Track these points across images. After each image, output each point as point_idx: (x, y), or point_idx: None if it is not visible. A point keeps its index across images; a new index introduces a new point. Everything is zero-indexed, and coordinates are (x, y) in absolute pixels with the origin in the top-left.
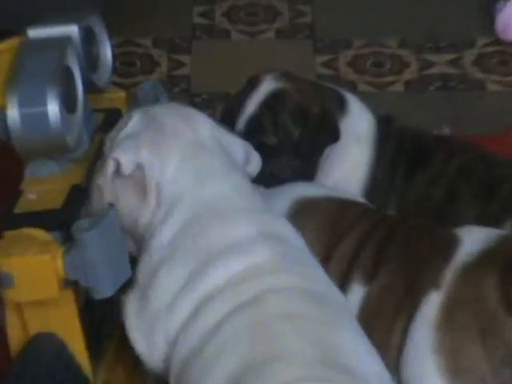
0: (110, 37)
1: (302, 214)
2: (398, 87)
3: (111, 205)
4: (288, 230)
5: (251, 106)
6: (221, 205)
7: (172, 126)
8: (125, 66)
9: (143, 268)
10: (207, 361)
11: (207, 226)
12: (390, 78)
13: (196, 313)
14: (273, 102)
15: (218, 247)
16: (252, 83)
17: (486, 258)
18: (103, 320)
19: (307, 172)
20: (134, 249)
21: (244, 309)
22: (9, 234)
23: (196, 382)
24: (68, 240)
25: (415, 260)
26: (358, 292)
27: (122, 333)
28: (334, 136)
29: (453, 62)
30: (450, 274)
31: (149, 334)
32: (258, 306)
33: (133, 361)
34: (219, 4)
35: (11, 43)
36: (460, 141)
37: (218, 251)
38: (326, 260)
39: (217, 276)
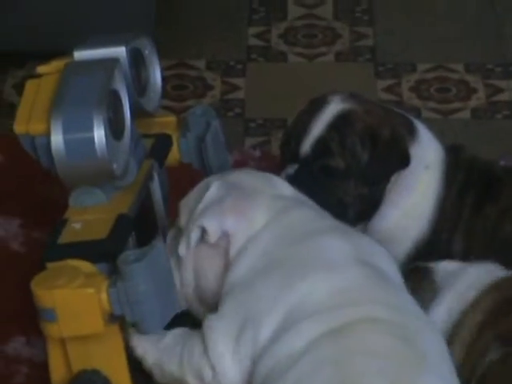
0: (160, 59)
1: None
2: (464, 114)
3: (160, 236)
4: (381, 256)
5: (318, 127)
6: (311, 226)
7: (252, 186)
8: (176, 89)
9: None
10: None
11: (295, 243)
12: (455, 105)
13: (279, 334)
14: (341, 123)
15: (310, 263)
16: (317, 104)
17: None
18: None
19: (374, 199)
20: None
21: (330, 338)
22: (52, 265)
23: None
24: (114, 272)
25: None
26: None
27: None
28: (404, 161)
29: None
30: None
31: (235, 347)
32: (345, 337)
33: None
34: (275, 25)
35: (57, 65)
36: None
37: (311, 268)
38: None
39: (306, 294)
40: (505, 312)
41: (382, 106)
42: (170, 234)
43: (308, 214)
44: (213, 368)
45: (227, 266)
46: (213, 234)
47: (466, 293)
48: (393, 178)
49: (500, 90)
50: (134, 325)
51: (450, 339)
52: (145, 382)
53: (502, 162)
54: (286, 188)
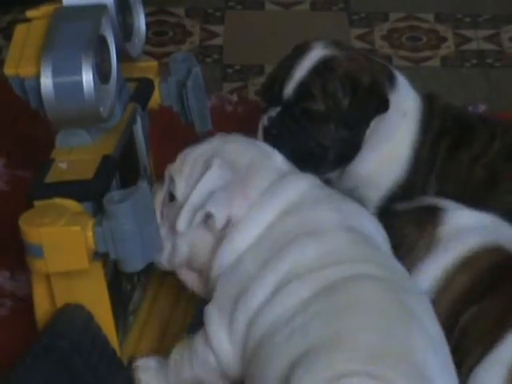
0: (145, 6)
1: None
2: (434, 62)
3: (144, 178)
4: (368, 221)
5: (300, 71)
6: (304, 199)
7: (251, 162)
8: (157, 35)
9: (223, 264)
10: (275, 346)
11: (289, 216)
12: (425, 53)
13: (271, 298)
14: (323, 68)
15: (298, 232)
16: (301, 50)
17: None
18: (130, 294)
19: (353, 143)
20: (198, 285)
21: (320, 296)
22: (39, 203)
23: (262, 367)
24: (99, 211)
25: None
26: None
27: (148, 308)
28: (382, 106)
29: (490, 38)
30: None
31: (230, 323)
32: (335, 294)
33: (158, 336)
34: None
35: (45, 10)
36: (502, 122)
37: (299, 235)
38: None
39: (293, 260)
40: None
41: (363, 54)
42: (156, 187)
43: (302, 190)
44: (215, 354)
45: (220, 242)
46: (219, 222)
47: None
48: (372, 124)
49: (468, 40)
50: (117, 262)
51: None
52: (126, 316)
53: (470, 109)
54: (279, 159)
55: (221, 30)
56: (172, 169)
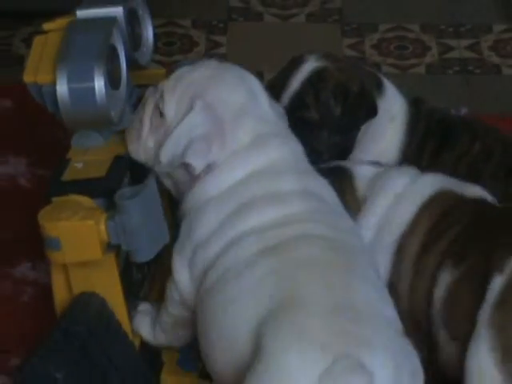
0: (152, 18)
1: (431, 205)
2: (420, 69)
3: (152, 176)
4: (327, 191)
5: (295, 83)
6: (273, 166)
7: (236, 106)
8: (166, 45)
9: (190, 205)
10: (228, 300)
11: (256, 179)
12: (412, 61)
13: (226, 249)
14: (315, 79)
15: (259, 196)
16: (296, 62)
17: None
18: (141, 282)
19: (345, 147)
20: (171, 188)
21: (269, 253)
22: (56, 200)
23: (215, 318)
24: (111, 207)
25: (488, 247)
26: (444, 280)
27: (157, 294)
28: (371, 112)
29: (471, 47)
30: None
31: (190, 265)
32: (284, 251)
33: None
34: None
35: (61, 23)
36: (482, 124)
37: (258, 199)
38: (424, 249)
39: (252, 219)
40: (443, 228)
41: (353, 64)
42: (147, 95)
43: (279, 156)
44: (178, 288)
45: (193, 182)
46: (197, 170)
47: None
48: (362, 128)
49: (451, 48)
50: (128, 253)
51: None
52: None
53: (453, 112)
54: (265, 105)
55: (224, 40)
56: (165, 86)
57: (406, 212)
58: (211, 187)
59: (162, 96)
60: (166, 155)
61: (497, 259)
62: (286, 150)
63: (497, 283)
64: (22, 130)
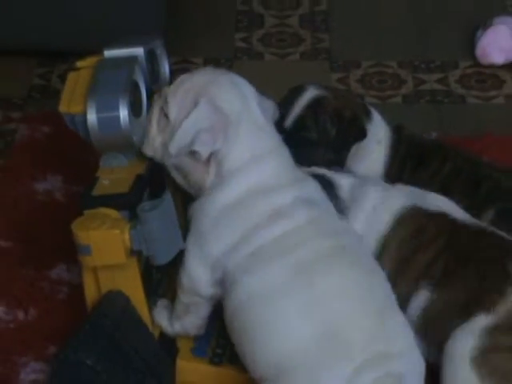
0: (169, 57)
1: (400, 222)
2: (397, 100)
3: (168, 191)
4: (320, 196)
5: (298, 108)
6: (270, 180)
7: (236, 113)
8: None
9: (203, 218)
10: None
11: (258, 196)
12: (390, 92)
13: (246, 263)
14: (315, 105)
15: (265, 214)
16: (298, 90)
17: None
18: (159, 282)
19: (338, 164)
20: (181, 181)
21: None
22: (87, 212)
23: (260, 327)
24: (134, 218)
25: (475, 281)
26: (423, 296)
27: (174, 292)
28: (361, 135)
29: (440, 81)
30: (503, 307)
31: (209, 266)
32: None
33: None
34: (255, 32)
35: (91, 61)
36: (453, 147)
37: (265, 217)
38: (401, 266)
39: (263, 237)
40: (417, 246)
41: (346, 94)
42: (155, 99)
43: (277, 164)
44: (192, 281)
45: (205, 171)
46: (204, 155)
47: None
48: (353, 149)
49: (423, 82)
50: (148, 257)
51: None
52: (156, 299)
53: (425, 136)
54: (253, 100)
55: None
56: (168, 90)
57: (382, 223)
58: (220, 199)
59: (165, 99)
60: (174, 146)
61: (484, 298)
62: (283, 161)
63: (481, 323)
64: (58, 152)
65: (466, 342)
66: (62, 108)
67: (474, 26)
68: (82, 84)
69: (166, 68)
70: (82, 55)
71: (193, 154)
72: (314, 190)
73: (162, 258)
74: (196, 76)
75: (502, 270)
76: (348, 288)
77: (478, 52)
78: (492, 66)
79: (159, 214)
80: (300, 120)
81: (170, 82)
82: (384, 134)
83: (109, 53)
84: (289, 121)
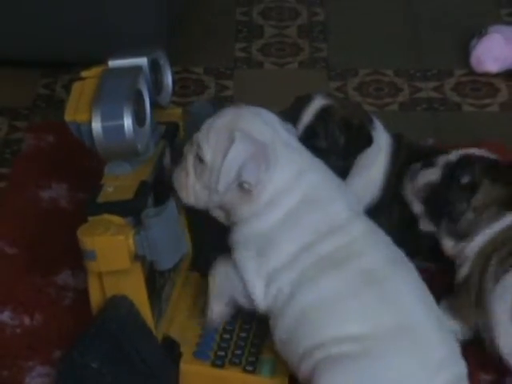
0: (172, 66)
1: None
2: (394, 107)
3: (172, 198)
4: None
5: (307, 117)
6: (318, 191)
7: (269, 139)
8: (182, 89)
9: (256, 237)
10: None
11: (310, 208)
12: (387, 100)
13: (306, 278)
14: (324, 114)
15: (324, 226)
16: (304, 100)
17: None
18: (163, 287)
19: (345, 170)
20: (222, 217)
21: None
22: (92, 218)
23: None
24: (138, 224)
25: None
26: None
27: (177, 297)
28: (369, 141)
29: (436, 88)
30: None
31: (267, 284)
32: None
33: (185, 319)
34: (255, 42)
35: (96, 71)
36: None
37: (321, 228)
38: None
39: (324, 250)
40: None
41: (352, 103)
42: (186, 150)
43: (320, 178)
44: (251, 293)
45: (250, 203)
46: (253, 185)
47: None
48: (358, 156)
49: (419, 89)
50: (152, 262)
51: None
52: (160, 304)
53: (422, 143)
54: (281, 128)
55: (231, 84)
56: (199, 137)
57: None
58: (271, 217)
59: (198, 145)
60: (222, 183)
61: None
62: (325, 173)
63: None
64: (62, 160)
65: None
66: (68, 117)
67: (469, 34)
68: (86, 93)
69: (169, 78)
70: (85, 66)
71: (240, 186)
72: (355, 199)
73: (166, 263)
74: (221, 117)
75: None
76: (412, 289)
77: (473, 61)
78: (487, 75)
79: (163, 219)
80: (310, 129)
81: (173, 91)
82: (385, 142)
83: (113, 63)
84: (300, 129)
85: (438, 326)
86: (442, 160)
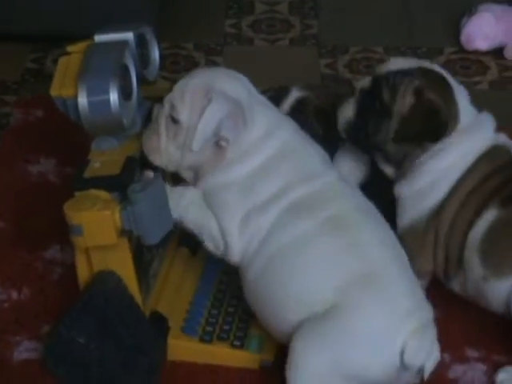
0: (160, 42)
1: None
2: None
3: (159, 173)
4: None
5: (283, 110)
6: (292, 144)
7: (244, 100)
8: (172, 64)
9: (231, 185)
10: (304, 265)
11: (287, 159)
12: None
13: (282, 219)
14: (300, 106)
15: (299, 174)
16: (281, 92)
17: None
18: (150, 262)
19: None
20: (191, 178)
21: (332, 225)
22: (79, 194)
23: (285, 280)
24: (124, 199)
25: None
26: (490, 215)
27: (165, 273)
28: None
29: None
30: None
31: (241, 231)
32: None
33: (173, 294)
34: (245, 18)
35: (82, 46)
36: None
37: (299, 176)
38: (468, 197)
39: (301, 191)
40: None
41: (326, 89)
42: (157, 111)
43: (294, 133)
44: (226, 243)
45: (222, 161)
46: (230, 142)
47: None
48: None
49: None
50: (138, 237)
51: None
52: (148, 279)
53: None
54: (252, 87)
55: (221, 60)
56: (172, 97)
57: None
58: (241, 168)
59: (172, 106)
60: (199, 141)
61: None
62: (296, 128)
63: None
64: (51, 135)
65: None
66: (54, 92)
67: (459, 13)
68: (72, 68)
69: (155, 53)
70: (75, 40)
71: (217, 144)
72: (326, 155)
73: (153, 238)
74: (196, 77)
75: None
76: (381, 239)
77: (463, 39)
78: (476, 52)
79: (149, 194)
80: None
81: (163, 67)
82: None
83: (99, 37)
84: None
85: (405, 275)
86: (357, 87)
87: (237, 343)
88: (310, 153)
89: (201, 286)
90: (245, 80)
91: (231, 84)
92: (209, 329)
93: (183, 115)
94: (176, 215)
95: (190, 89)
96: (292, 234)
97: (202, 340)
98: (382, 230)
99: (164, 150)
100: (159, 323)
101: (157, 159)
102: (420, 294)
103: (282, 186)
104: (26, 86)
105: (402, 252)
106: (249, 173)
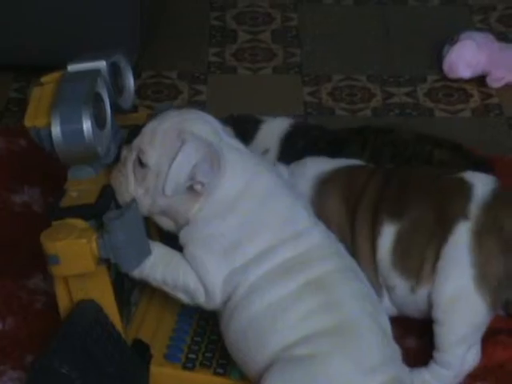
0: (133, 69)
1: (322, 189)
2: (367, 113)
3: (133, 199)
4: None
5: None
6: (274, 196)
7: (216, 141)
8: (155, 93)
9: (219, 237)
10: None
11: (270, 213)
12: (360, 106)
13: (261, 283)
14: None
15: (284, 232)
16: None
17: (499, 196)
18: (131, 290)
19: None
20: (168, 224)
21: (310, 287)
22: (55, 223)
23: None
24: (100, 227)
25: (438, 197)
26: (388, 232)
27: (147, 301)
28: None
29: (409, 94)
30: (474, 207)
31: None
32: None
33: (155, 322)
34: (229, 47)
35: (55, 76)
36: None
37: (285, 235)
38: (352, 215)
39: (283, 255)
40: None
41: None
42: (125, 155)
43: (275, 181)
44: (206, 291)
45: (197, 206)
46: (207, 187)
47: None
48: None
49: (392, 95)
50: (116, 265)
51: None
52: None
53: None
54: (228, 138)
55: (204, 88)
56: (140, 141)
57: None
58: (231, 220)
59: (141, 150)
60: (171, 186)
61: (454, 207)
62: (275, 175)
63: (464, 228)
64: (35, 164)
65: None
66: (27, 122)
67: (442, 41)
68: (45, 99)
69: (130, 80)
70: (58, 70)
71: (190, 188)
72: (309, 205)
73: (131, 266)
74: (166, 120)
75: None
76: (355, 292)
77: (446, 67)
78: (459, 80)
79: (125, 222)
80: None
81: (147, 96)
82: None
83: (72, 67)
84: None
85: (377, 328)
86: None
87: (220, 370)
88: (294, 207)
89: (183, 313)
90: (215, 122)
91: (202, 125)
92: (192, 356)
93: (152, 158)
94: (142, 276)
95: (160, 131)
96: (269, 299)
97: (184, 367)
98: (357, 285)
99: (133, 194)
100: (141, 351)
101: (126, 200)
102: (391, 348)
103: (264, 248)
104: (9, 115)
105: (378, 305)
106: (231, 228)
